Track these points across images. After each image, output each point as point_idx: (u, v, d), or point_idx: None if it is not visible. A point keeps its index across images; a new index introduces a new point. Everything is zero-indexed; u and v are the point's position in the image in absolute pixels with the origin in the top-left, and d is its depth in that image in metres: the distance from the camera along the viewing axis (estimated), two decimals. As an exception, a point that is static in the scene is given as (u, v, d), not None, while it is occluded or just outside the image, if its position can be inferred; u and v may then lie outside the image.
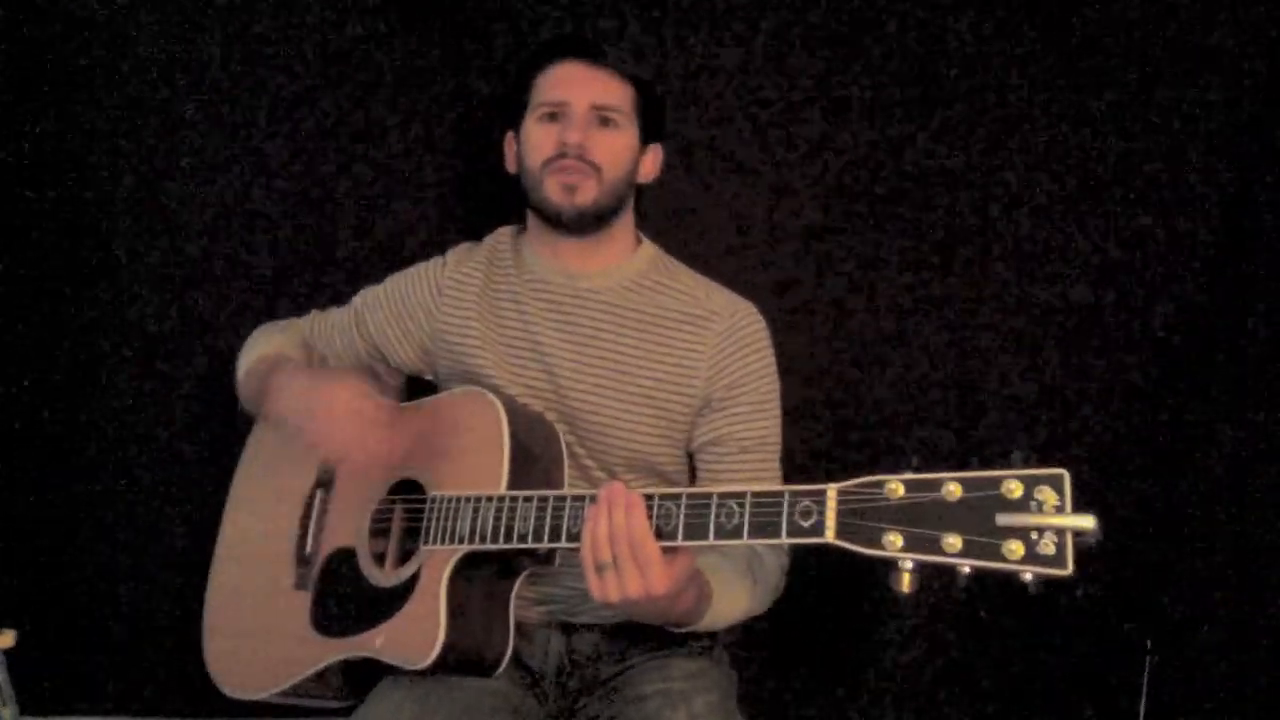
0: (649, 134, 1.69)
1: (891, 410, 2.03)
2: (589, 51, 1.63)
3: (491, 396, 1.53)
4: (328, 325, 1.82)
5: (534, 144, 1.63)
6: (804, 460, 1.99)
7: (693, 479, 1.67)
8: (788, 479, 1.61)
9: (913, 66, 2.00)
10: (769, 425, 1.65)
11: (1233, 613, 1.96)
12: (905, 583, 1.06)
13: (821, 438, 2.03)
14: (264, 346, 1.79)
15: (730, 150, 2.04)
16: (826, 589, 1.96)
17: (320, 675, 1.57)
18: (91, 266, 2.07)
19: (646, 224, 1.76)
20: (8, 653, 1.81)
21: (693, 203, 2.04)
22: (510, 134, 1.72)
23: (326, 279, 2.05)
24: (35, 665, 1.85)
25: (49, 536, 2.08)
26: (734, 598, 1.52)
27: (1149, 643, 1.93)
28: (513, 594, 1.52)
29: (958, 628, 2.02)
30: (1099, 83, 1.97)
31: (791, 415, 1.70)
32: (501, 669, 1.50)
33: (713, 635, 1.65)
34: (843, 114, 2.01)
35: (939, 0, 1.99)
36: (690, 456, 1.67)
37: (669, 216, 2.00)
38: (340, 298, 1.85)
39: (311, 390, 1.60)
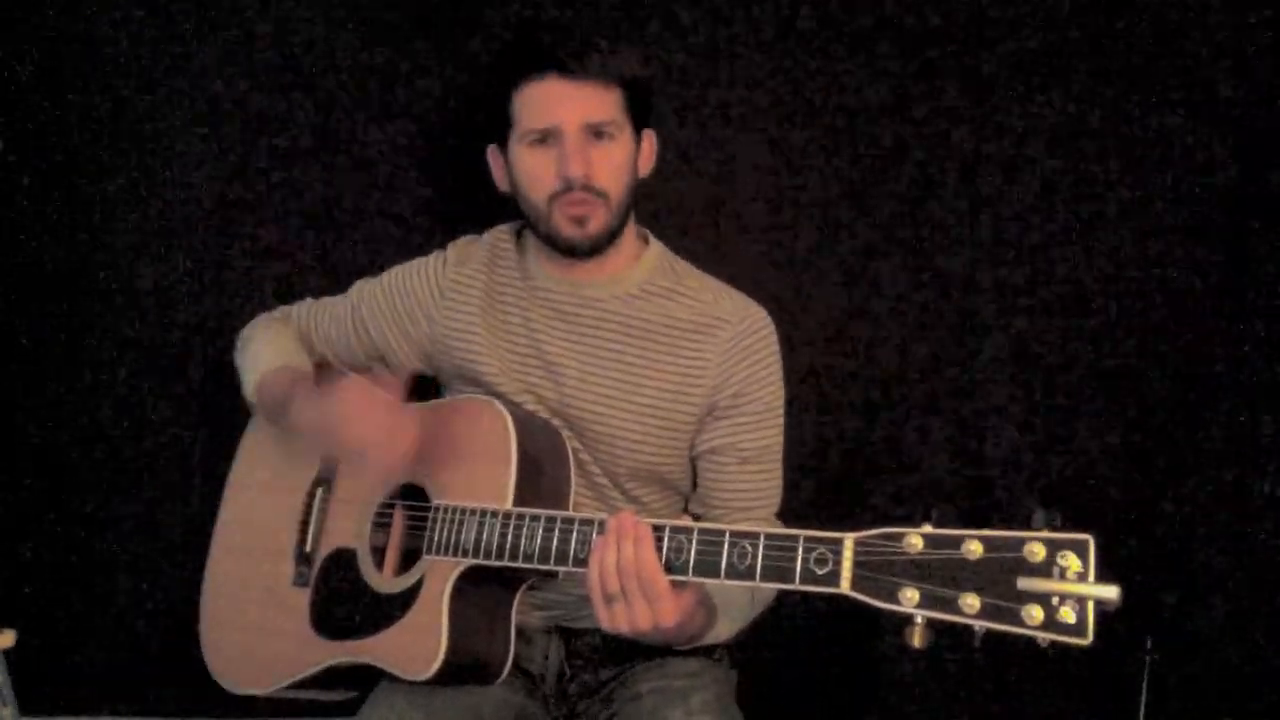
0: (639, 123, 1.60)
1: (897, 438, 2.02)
2: (569, 65, 1.51)
3: (500, 406, 1.51)
4: (325, 319, 1.77)
5: (531, 175, 1.55)
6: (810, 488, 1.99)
7: (695, 486, 1.65)
8: (797, 519, 1.59)
9: (911, 74, 1.97)
10: (771, 435, 1.62)
11: (1233, 612, 1.96)
12: (917, 637, 1.05)
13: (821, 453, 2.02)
14: (269, 355, 1.72)
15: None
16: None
17: (319, 674, 1.57)
18: (86, 266, 2.05)
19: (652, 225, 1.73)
20: (8, 653, 1.80)
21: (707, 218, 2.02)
22: (493, 148, 1.63)
23: (320, 277, 2.03)
24: (35, 665, 1.85)
25: (49, 536, 2.07)
26: (736, 614, 1.53)
27: (1149, 642, 1.93)
28: (514, 604, 1.52)
29: (956, 628, 2.03)
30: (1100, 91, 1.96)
31: (798, 435, 1.68)
32: (502, 677, 1.51)
33: (713, 640, 1.65)
34: (849, 135, 1.99)
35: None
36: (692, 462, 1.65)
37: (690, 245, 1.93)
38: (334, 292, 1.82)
39: (324, 400, 1.55)
